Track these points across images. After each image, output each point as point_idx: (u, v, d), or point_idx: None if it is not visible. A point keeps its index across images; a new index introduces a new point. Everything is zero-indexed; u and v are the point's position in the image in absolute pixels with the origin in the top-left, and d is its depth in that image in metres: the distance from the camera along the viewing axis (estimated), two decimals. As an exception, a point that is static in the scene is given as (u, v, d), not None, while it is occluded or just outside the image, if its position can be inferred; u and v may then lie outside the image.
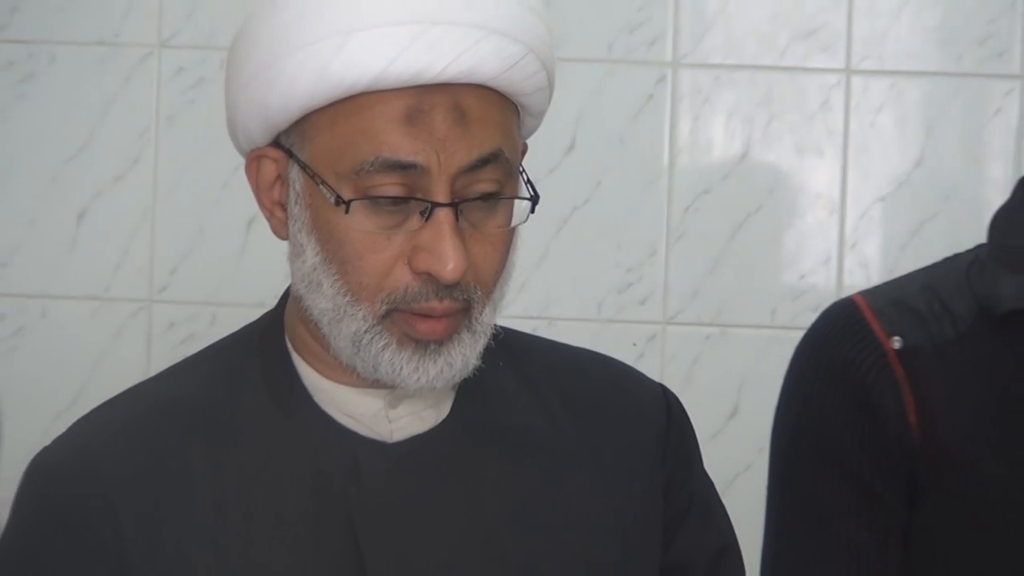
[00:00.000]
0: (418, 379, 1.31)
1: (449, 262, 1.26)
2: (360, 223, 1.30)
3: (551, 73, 1.35)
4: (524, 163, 1.37)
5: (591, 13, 2.43)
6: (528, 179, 1.34)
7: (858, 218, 2.44)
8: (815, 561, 1.56)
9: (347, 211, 1.30)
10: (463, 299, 1.31)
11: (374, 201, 1.30)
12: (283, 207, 1.37)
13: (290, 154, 1.35)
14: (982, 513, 1.51)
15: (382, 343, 1.30)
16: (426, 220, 1.29)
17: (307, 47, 1.29)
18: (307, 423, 1.36)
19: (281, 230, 1.36)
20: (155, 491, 1.34)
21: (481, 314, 1.33)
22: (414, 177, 1.28)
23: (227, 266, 2.45)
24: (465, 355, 1.32)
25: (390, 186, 1.28)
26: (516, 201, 1.34)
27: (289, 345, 1.40)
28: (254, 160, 1.36)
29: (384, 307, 1.31)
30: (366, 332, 1.31)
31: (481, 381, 1.38)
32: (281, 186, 1.37)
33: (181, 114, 2.42)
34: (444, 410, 1.37)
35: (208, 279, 2.48)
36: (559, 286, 2.43)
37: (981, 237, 1.60)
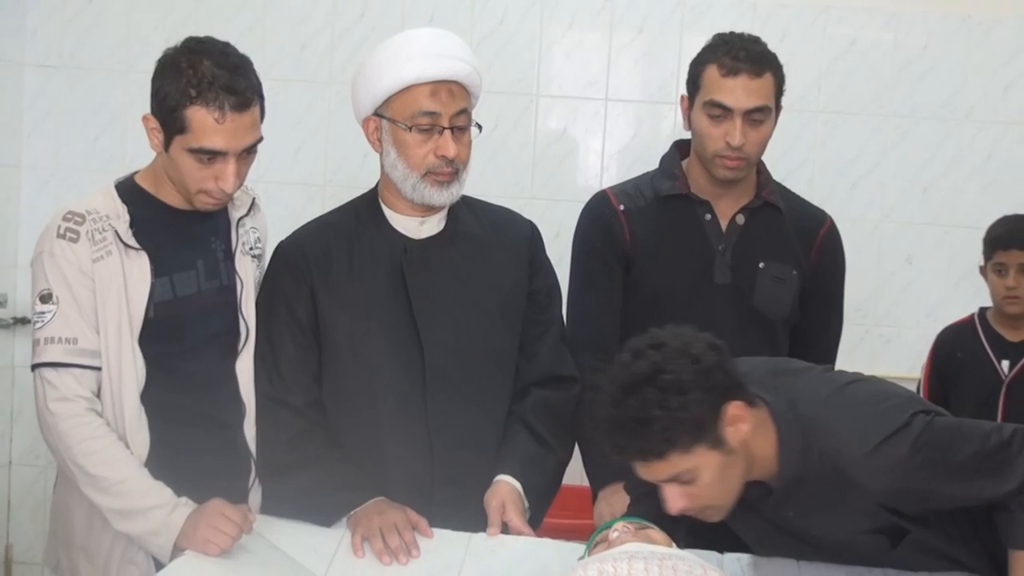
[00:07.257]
0: (440, 197, 2.09)
1: (452, 149, 2.05)
2: (414, 138, 2.05)
3: (480, 83, 2.11)
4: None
5: (503, 70, 3.59)
6: (477, 124, 2.10)
7: (608, 159, 3.70)
8: (585, 293, 2.45)
9: (410, 131, 2.04)
10: (456, 168, 2.08)
11: (420, 130, 2.04)
12: (379, 140, 2.12)
13: (382, 116, 2.08)
14: (646, 275, 2.40)
15: (424, 186, 2.09)
16: (440, 135, 2.04)
17: (392, 67, 2.07)
18: (386, 231, 2.16)
19: (378, 148, 2.13)
20: (324, 256, 2.15)
21: (462, 176, 2.11)
22: (435, 118, 2.04)
23: (356, 169, 3.63)
24: (457, 191, 2.12)
25: (425, 122, 2.04)
26: (473, 129, 2.11)
27: (380, 199, 2.19)
28: (365, 122, 2.13)
29: (424, 171, 2.08)
30: (417, 182, 2.09)
31: (457, 214, 2.21)
32: (377, 130, 2.11)
33: (338, 111, 3.70)
34: (442, 225, 2.18)
35: (349, 175, 3.66)
36: (489, 184, 3.51)
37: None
